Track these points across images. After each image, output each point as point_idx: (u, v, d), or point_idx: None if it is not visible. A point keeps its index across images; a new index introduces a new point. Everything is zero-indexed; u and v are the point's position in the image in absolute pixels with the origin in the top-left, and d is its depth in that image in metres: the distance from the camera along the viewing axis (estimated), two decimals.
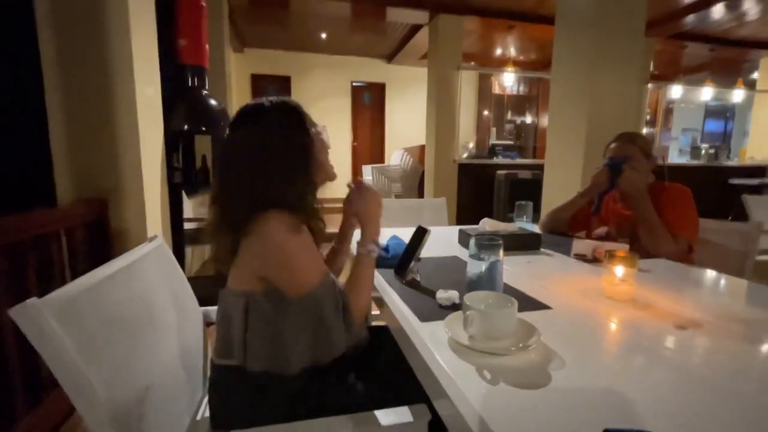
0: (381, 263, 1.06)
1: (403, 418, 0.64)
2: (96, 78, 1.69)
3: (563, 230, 1.55)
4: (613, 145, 1.44)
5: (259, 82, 6.63)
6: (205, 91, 2.45)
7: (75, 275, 1.41)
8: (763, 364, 0.60)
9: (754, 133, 5.82)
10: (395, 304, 0.80)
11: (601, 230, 1.44)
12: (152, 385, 0.68)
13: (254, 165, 0.74)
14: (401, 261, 0.96)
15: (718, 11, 4.21)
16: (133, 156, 1.75)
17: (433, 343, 0.62)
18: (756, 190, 4.61)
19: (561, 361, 0.57)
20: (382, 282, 0.94)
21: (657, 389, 0.51)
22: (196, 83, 2.40)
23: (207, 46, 2.40)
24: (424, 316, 0.73)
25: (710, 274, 1.06)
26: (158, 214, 1.95)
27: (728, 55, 5.77)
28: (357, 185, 0.92)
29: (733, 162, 5.61)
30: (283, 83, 6.71)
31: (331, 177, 0.90)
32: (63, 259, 1.54)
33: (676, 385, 0.53)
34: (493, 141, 6.38)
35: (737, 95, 6.30)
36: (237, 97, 6.10)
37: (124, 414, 0.60)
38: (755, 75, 6.11)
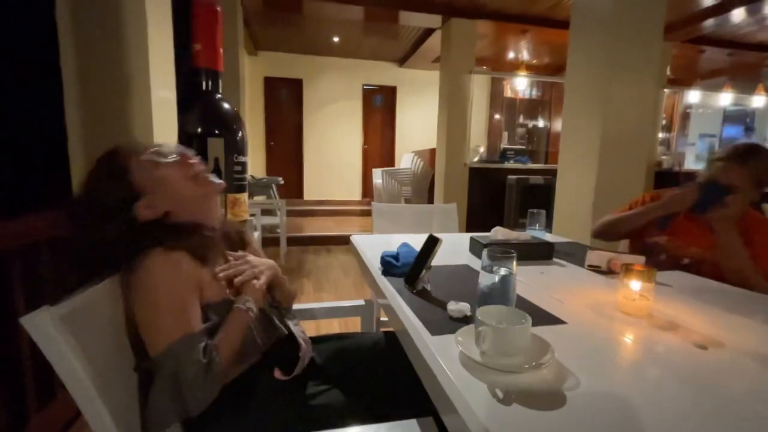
0: (391, 272, 1.05)
1: (410, 431, 0.63)
2: (112, 82, 1.72)
3: (619, 239, 1.43)
4: (720, 164, 1.21)
5: (272, 85, 6.70)
6: (219, 95, 2.48)
7: None
8: None
9: None
10: (405, 315, 0.79)
11: (660, 238, 1.31)
12: None
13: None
14: (412, 270, 0.95)
15: (738, 15, 4.11)
16: None
17: (444, 358, 0.61)
18: None
19: (576, 381, 0.55)
20: (392, 291, 0.93)
21: (674, 413, 0.49)
22: (209, 86, 2.43)
23: (221, 51, 2.43)
24: (435, 329, 0.71)
25: (736, 290, 1.02)
26: None
27: (747, 60, 5.64)
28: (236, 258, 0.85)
29: None
30: (295, 86, 6.77)
31: (205, 187, 0.83)
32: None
33: (695, 408, 0.50)
34: (504, 145, 6.34)
35: (757, 101, 6.15)
36: (250, 99, 6.18)
37: (130, 419, 0.60)
38: None
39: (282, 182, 4.97)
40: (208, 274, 0.76)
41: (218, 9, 2.34)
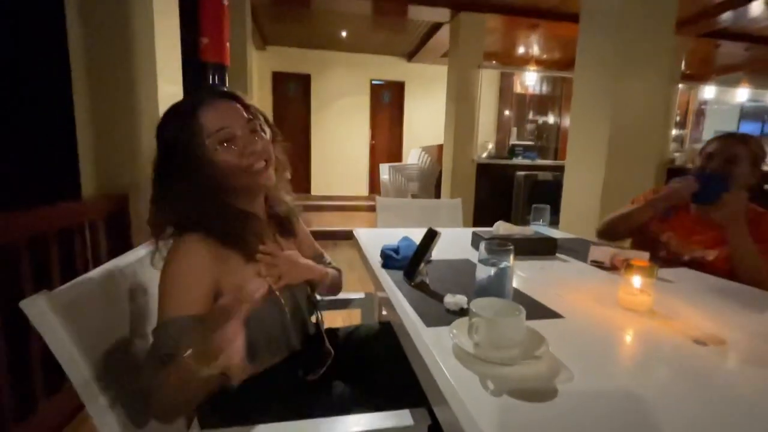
0: (391, 265, 1.05)
1: (403, 421, 0.63)
2: (120, 76, 1.75)
3: (623, 238, 1.40)
4: (714, 144, 1.22)
5: (280, 80, 6.72)
6: (226, 89, 2.49)
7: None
8: None
9: None
10: (402, 307, 0.79)
11: (665, 235, 1.29)
12: None
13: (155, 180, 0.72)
14: (410, 263, 0.95)
15: (756, 8, 3.99)
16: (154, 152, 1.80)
17: (437, 349, 0.61)
18: None
19: (569, 374, 0.55)
20: (390, 284, 0.93)
21: (668, 408, 0.49)
22: (216, 81, 2.44)
23: (228, 45, 2.44)
24: (430, 321, 0.71)
25: (739, 287, 1.00)
26: None
27: (765, 55, 5.48)
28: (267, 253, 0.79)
29: None
30: (304, 81, 6.78)
31: (257, 180, 0.76)
32: (86, 251, 1.60)
33: (690, 404, 0.50)
34: (513, 141, 6.27)
35: None
36: (258, 94, 6.21)
37: (126, 405, 0.61)
38: None
39: (289, 177, 4.98)
40: (244, 263, 0.74)
41: (225, 2, 2.35)
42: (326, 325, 0.95)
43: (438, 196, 5.09)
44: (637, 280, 0.80)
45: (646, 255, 1.06)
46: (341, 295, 1.10)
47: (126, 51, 1.74)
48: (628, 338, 0.69)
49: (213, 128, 0.71)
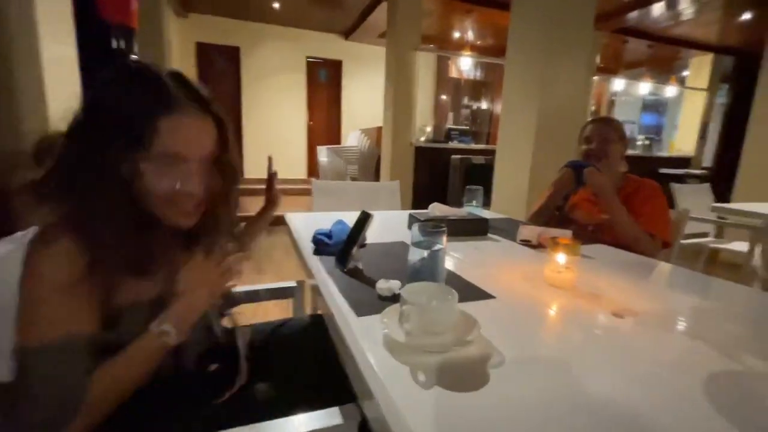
0: (323, 251, 0.99)
1: (332, 420, 0.58)
2: None
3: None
4: (589, 128, 1.44)
5: (206, 52, 6.13)
6: (135, 56, 2.18)
7: None
8: (688, 348, 0.60)
9: (682, 127, 6.34)
10: (332, 297, 0.73)
11: (575, 213, 1.46)
12: None
13: None
14: (342, 248, 0.89)
15: (657, 9, 4.44)
16: (39, 121, 1.51)
17: (367, 340, 0.56)
18: (681, 179, 5.04)
19: (500, 357, 0.54)
20: (321, 272, 0.86)
21: (592, 379, 0.49)
22: (121, 46, 2.13)
23: (135, 3, 2.12)
24: (363, 310, 0.66)
25: (647, 261, 1.09)
26: None
27: (664, 53, 6.17)
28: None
29: (664, 153, 6.10)
30: (232, 54, 6.25)
31: (175, 218, 0.62)
32: None
33: (610, 374, 0.51)
34: (450, 125, 6.43)
35: (669, 91, 6.80)
36: (180, 66, 5.60)
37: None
38: (685, 73, 6.60)
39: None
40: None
41: None
42: (253, 319, 0.86)
43: (378, 179, 5.07)
44: (561, 258, 0.82)
45: (569, 233, 1.12)
46: (268, 285, 1.01)
47: None
48: (555, 315, 0.71)
49: (169, 148, 0.57)
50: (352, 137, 6.08)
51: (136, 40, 2.22)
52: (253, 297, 1.05)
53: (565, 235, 1.09)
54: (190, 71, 6.00)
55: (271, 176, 1.05)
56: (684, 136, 6.20)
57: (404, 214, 1.40)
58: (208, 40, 6.09)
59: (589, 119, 1.50)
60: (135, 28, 2.13)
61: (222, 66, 6.25)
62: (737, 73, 6.03)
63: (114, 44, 2.07)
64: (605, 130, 1.40)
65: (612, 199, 1.28)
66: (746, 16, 4.66)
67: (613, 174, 1.39)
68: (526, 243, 1.16)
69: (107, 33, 2.03)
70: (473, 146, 4.99)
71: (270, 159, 1.04)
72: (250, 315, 0.86)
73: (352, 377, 0.55)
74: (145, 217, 0.60)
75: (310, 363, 0.82)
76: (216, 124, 0.64)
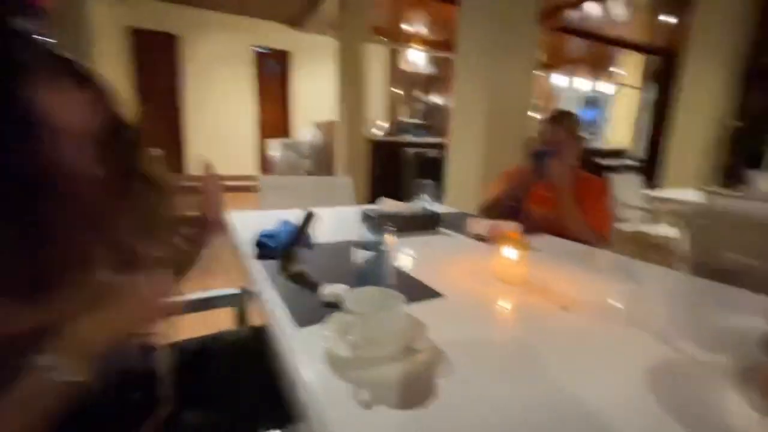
0: (264, 254, 0.91)
1: None
2: None
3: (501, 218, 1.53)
4: (544, 123, 1.43)
5: (141, 39, 5.63)
6: (46, 39, 1.92)
7: None
8: (628, 336, 0.61)
9: (617, 121, 6.82)
10: (271, 305, 0.67)
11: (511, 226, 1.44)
12: None
13: None
14: (285, 251, 0.83)
15: (593, 9, 4.71)
16: None
17: (307, 354, 0.51)
18: (616, 169, 5.44)
19: (449, 365, 0.51)
20: (261, 277, 0.79)
21: (539, 374, 0.48)
22: (32, 30, 1.86)
23: None
24: (305, 320, 0.61)
25: (593, 250, 1.13)
26: None
27: (602, 52, 6.58)
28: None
29: (601, 145, 6.54)
30: (171, 42, 5.81)
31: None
32: None
33: (557, 367, 0.50)
34: (403, 118, 6.44)
35: (603, 87, 7.29)
36: (110, 55, 5.11)
37: None
38: (620, 71, 7.10)
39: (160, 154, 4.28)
40: None
41: None
42: (193, 329, 0.76)
43: (333, 173, 4.97)
44: (510, 252, 0.81)
45: (514, 225, 1.12)
46: (206, 293, 0.92)
47: None
48: (504, 313, 0.70)
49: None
50: (305, 131, 5.91)
51: (50, 22, 1.96)
52: (195, 307, 0.95)
53: (510, 227, 1.09)
54: (123, 60, 5.50)
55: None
56: (618, 129, 6.68)
57: (357, 211, 1.35)
58: (143, 26, 5.60)
59: (548, 115, 1.47)
60: (44, 6, 1.87)
61: (159, 56, 5.77)
62: (664, 72, 6.58)
63: (17, 26, 1.81)
64: (555, 131, 1.39)
65: (569, 195, 1.30)
66: (672, 19, 5.07)
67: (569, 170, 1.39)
68: (477, 237, 1.16)
69: (7, 11, 1.77)
70: (428, 140, 5.03)
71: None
72: (189, 324, 0.75)
73: (289, 397, 0.50)
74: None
75: (248, 383, 0.74)
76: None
